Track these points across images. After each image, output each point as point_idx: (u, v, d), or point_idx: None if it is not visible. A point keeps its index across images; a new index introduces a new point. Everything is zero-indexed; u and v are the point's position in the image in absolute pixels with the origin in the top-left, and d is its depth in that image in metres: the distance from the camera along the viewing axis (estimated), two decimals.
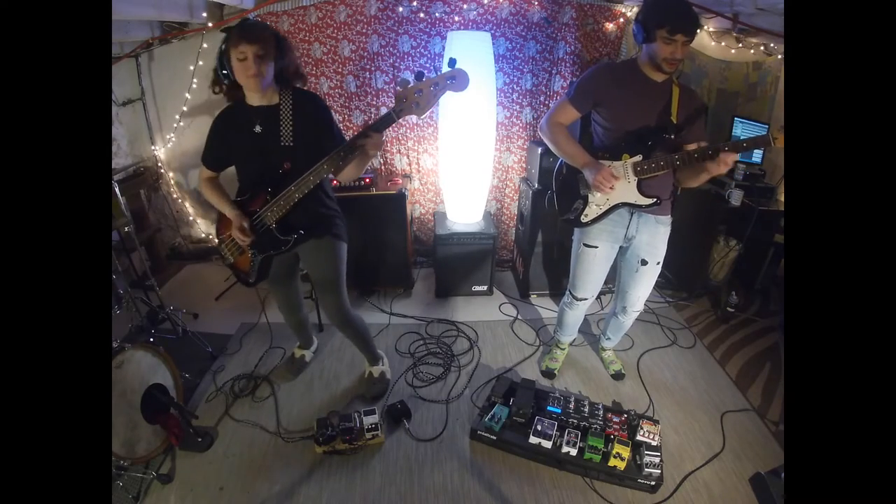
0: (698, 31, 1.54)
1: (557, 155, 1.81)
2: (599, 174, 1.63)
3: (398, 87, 1.34)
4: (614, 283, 2.14)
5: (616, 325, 2.18)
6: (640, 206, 1.74)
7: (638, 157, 1.67)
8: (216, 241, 1.85)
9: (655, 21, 1.52)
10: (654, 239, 1.84)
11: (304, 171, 1.54)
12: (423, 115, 1.35)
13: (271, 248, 1.72)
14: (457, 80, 1.32)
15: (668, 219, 1.84)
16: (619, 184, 1.70)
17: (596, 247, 1.87)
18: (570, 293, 2.07)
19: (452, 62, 1.31)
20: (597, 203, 1.78)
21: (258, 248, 1.73)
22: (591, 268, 1.93)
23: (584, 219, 1.82)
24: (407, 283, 3.04)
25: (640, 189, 1.70)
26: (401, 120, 2.96)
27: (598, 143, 1.79)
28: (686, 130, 1.68)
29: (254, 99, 1.56)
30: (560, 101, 1.78)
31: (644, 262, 1.87)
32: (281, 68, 1.53)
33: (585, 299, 2.04)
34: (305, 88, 1.66)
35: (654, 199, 1.71)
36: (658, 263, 1.88)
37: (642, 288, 1.94)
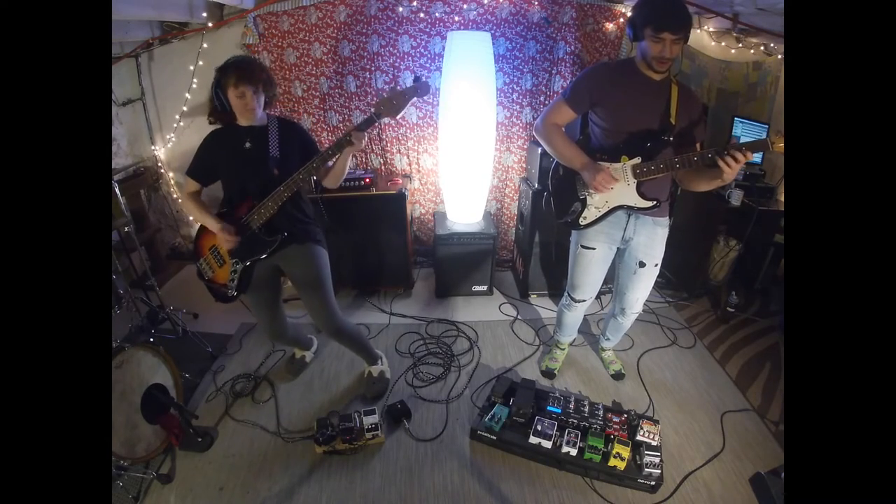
0: (689, 29, 1.51)
1: (553, 156, 1.79)
2: (599, 175, 1.62)
3: (376, 98, 1.67)
4: (613, 283, 2.13)
5: (615, 326, 2.18)
6: (639, 209, 1.73)
7: (637, 160, 1.65)
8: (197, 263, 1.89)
9: (642, 19, 1.52)
10: (651, 241, 1.82)
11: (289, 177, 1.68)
12: (398, 116, 1.70)
13: (256, 253, 1.74)
14: (420, 88, 1.66)
15: (665, 220, 1.83)
16: (619, 186, 1.69)
17: (594, 248, 1.86)
18: (569, 295, 2.07)
19: (417, 78, 1.67)
20: (595, 205, 1.77)
21: (241, 256, 1.75)
22: (589, 269, 1.92)
23: (582, 221, 1.81)
24: (407, 283, 3.04)
25: (640, 191, 1.69)
26: (400, 120, 3.02)
27: (596, 145, 1.77)
28: (686, 131, 1.67)
29: (244, 121, 1.72)
30: (556, 101, 1.75)
31: (642, 264, 1.86)
32: (266, 97, 1.75)
33: (584, 301, 2.04)
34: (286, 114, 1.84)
35: (654, 202, 1.70)
36: (656, 265, 1.87)
37: (641, 290, 1.94)
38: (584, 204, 1.79)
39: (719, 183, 1.58)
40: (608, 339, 2.29)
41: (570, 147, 1.72)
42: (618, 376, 2.28)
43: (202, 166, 1.77)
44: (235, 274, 1.77)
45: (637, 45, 1.61)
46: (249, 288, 1.84)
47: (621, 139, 1.68)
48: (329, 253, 1.91)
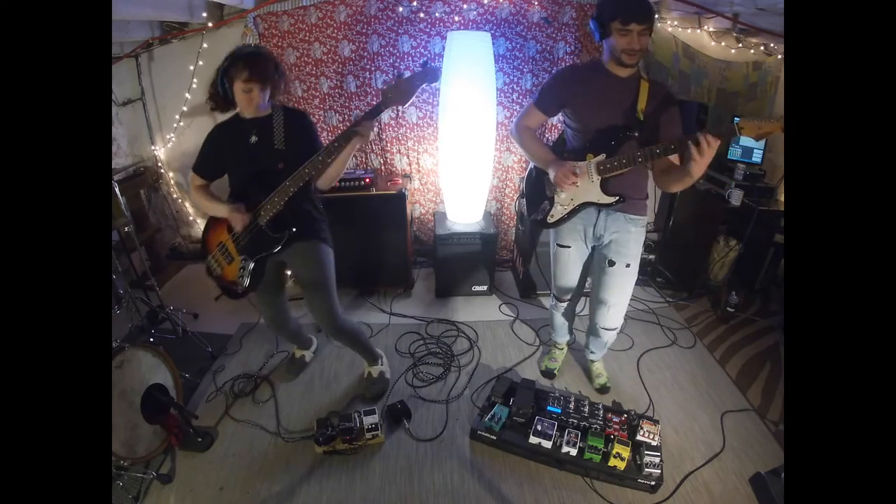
0: (654, 19, 1.53)
1: (526, 157, 1.84)
2: (560, 171, 1.64)
3: (383, 87, 1.64)
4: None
5: (595, 341, 2.13)
6: (604, 205, 1.72)
7: (601, 157, 1.66)
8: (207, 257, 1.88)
9: (608, 14, 1.53)
10: (623, 238, 1.79)
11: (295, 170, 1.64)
12: (407, 105, 1.64)
13: (264, 250, 1.72)
14: (429, 74, 1.60)
15: (641, 219, 1.79)
16: (583, 183, 1.69)
17: (569, 246, 1.88)
18: (554, 295, 2.10)
19: (425, 63, 1.61)
20: (561, 203, 1.78)
21: (249, 253, 1.74)
22: (567, 268, 1.94)
23: (550, 219, 1.82)
24: (407, 283, 3.04)
25: (604, 188, 1.69)
26: (400, 119, 3.02)
27: (569, 146, 1.81)
28: (656, 126, 1.63)
29: (248, 113, 1.70)
30: (527, 105, 1.81)
31: (612, 263, 1.81)
32: (274, 90, 1.70)
33: (567, 300, 2.06)
34: (291, 105, 1.82)
35: (617, 197, 1.69)
36: (628, 266, 1.81)
37: (613, 293, 1.87)
38: (552, 202, 1.81)
39: (689, 181, 1.53)
40: (592, 352, 2.21)
41: (538, 147, 1.79)
42: (602, 390, 2.20)
43: (208, 162, 1.77)
44: (244, 271, 1.75)
45: (604, 43, 1.62)
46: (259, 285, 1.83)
47: (588, 138, 1.70)
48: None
